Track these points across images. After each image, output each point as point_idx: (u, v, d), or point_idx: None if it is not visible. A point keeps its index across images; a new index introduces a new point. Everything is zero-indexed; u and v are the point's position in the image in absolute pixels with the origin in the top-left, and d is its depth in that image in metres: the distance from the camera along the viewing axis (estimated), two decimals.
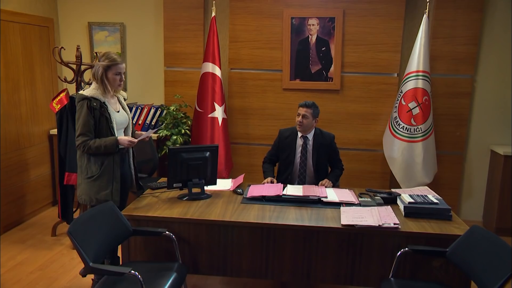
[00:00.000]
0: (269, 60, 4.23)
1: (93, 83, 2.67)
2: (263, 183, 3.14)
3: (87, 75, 3.90)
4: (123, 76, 2.69)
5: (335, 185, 3.20)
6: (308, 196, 2.80)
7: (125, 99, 2.88)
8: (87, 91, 2.63)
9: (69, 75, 3.78)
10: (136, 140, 2.66)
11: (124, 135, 2.78)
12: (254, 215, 2.55)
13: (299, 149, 3.29)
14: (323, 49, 4.13)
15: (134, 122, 4.27)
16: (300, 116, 3.20)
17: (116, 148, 2.59)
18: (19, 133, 3.98)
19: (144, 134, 2.83)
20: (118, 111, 2.74)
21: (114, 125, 2.64)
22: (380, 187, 4.06)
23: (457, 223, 2.50)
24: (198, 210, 2.61)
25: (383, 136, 4.12)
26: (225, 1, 4.22)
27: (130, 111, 2.94)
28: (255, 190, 2.92)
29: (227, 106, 4.28)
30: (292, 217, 2.53)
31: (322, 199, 2.77)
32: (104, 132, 2.61)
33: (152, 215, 2.53)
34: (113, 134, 2.63)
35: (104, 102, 2.62)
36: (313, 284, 3.03)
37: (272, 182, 3.15)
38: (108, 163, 2.62)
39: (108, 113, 2.62)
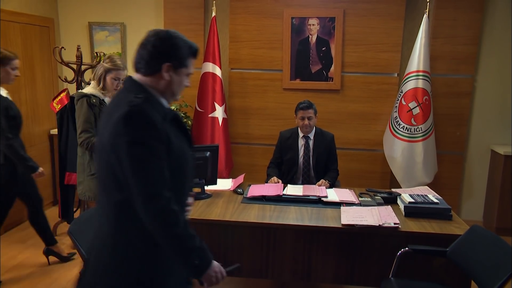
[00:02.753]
0: (270, 60, 4.22)
1: (92, 82, 2.70)
2: (269, 183, 3.13)
3: (87, 75, 3.90)
4: (121, 83, 2.66)
5: (332, 186, 3.19)
6: (308, 195, 2.80)
7: None
8: (86, 89, 2.69)
9: (70, 75, 3.78)
10: None
11: None
12: (255, 215, 2.55)
13: (301, 149, 3.29)
14: (323, 49, 4.13)
15: None
16: (306, 119, 3.18)
17: None
18: None
19: None
20: None
21: None
22: (380, 187, 4.05)
23: (458, 222, 2.50)
24: (198, 210, 2.61)
25: (384, 136, 4.12)
26: (225, 1, 4.21)
27: None
28: (255, 190, 2.92)
29: (228, 106, 4.28)
30: (293, 217, 2.53)
31: (322, 199, 2.77)
32: None
33: None
34: None
35: (103, 100, 2.65)
36: (314, 284, 3.03)
37: (277, 182, 3.12)
38: None
39: None
